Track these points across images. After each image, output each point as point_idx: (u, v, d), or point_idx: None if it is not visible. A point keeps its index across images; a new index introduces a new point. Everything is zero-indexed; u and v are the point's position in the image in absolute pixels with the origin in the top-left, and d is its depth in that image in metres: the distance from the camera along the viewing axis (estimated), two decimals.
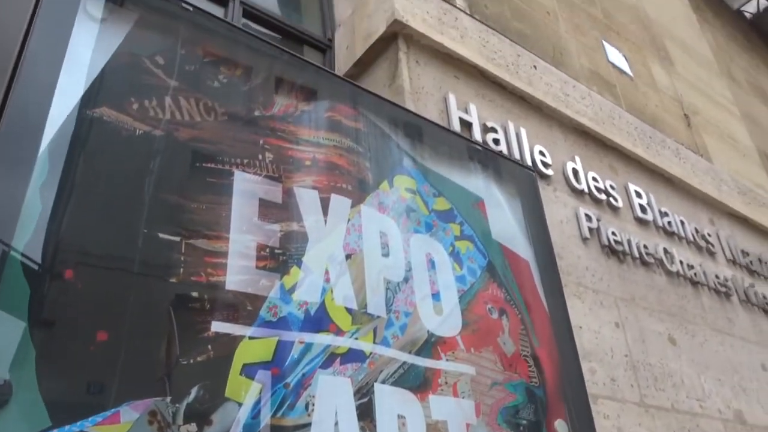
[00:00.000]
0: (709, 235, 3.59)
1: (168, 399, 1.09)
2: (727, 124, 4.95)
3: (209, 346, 1.18)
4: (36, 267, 1.08)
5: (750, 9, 6.63)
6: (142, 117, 1.29)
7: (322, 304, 1.38)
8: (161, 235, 1.22)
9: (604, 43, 4.11)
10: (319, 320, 1.35)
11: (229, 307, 1.25)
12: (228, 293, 1.26)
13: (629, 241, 2.99)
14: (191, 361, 1.15)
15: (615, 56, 4.13)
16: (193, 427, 1.09)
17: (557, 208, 2.79)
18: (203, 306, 1.22)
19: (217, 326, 1.21)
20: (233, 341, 1.22)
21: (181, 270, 1.22)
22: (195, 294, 1.22)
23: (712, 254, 3.53)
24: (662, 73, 4.55)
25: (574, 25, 3.91)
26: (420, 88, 2.55)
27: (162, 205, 1.25)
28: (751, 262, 3.76)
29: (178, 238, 1.24)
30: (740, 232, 3.94)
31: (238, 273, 1.29)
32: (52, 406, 0.99)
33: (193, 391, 1.12)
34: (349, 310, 1.42)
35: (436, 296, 1.63)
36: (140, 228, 1.20)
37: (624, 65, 4.16)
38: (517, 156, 2.71)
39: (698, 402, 2.75)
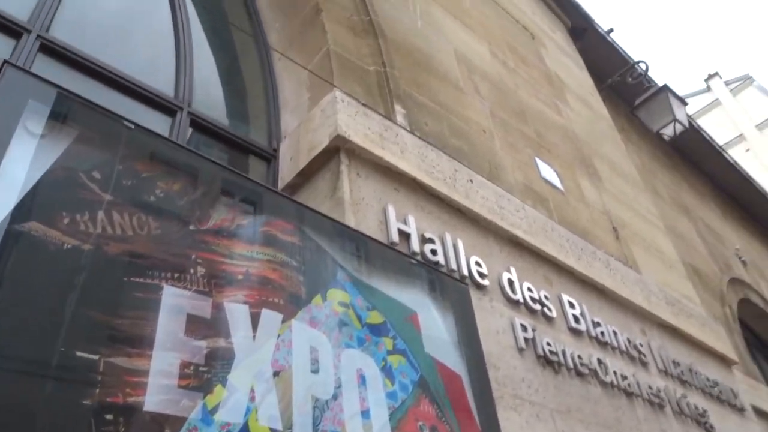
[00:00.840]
0: (641, 345, 3.70)
1: None
2: (653, 237, 5.27)
3: None
4: None
5: (668, 132, 7.29)
6: (72, 232, 1.29)
7: (245, 425, 1.34)
8: (79, 354, 1.19)
9: (537, 159, 4.41)
10: None
11: (145, 430, 1.20)
12: (146, 415, 1.21)
13: (564, 352, 3.05)
14: None
15: (547, 172, 4.42)
16: None
17: (493, 318, 2.85)
18: (118, 429, 1.16)
19: None
20: None
21: (97, 391, 1.18)
22: (110, 416, 1.17)
23: (644, 364, 3.63)
24: (591, 189, 4.87)
25: (508, 143, 4.20)
26: (360, 200, 2.64)
27: (83, 322, 1.22)
28: (682, 372, 3.87)
29: (96, 357, 1.20)
30: (670, 342, 4.09)
31: (158, 393, 1.25)
32: None
33: None
34: (273, 431, 1.38)
35: (365, 414, 1.61)
36: (57, 347, 1.16)
37: (555, 181, 4.44)
38: (454, 267, 2.79)
39: None
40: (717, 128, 21.71)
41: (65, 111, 1.46)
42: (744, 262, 8.02)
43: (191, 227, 1.53)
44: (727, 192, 9.83)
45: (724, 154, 9.65)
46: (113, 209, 1.39)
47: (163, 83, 2.85)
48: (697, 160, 9.37)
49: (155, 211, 1.47)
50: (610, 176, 5.44)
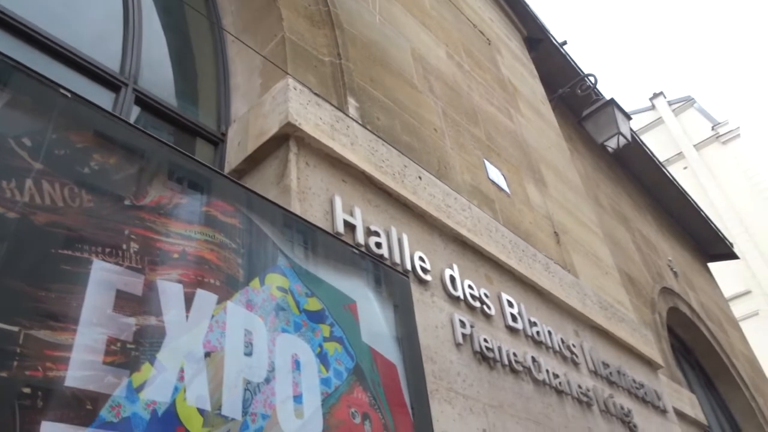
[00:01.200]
0: (574, 346, 3.83)
1: None
2: (592, 243, 5.45)
3: None
4: None
5: (612, 144, 7.56)
6: None
7: (173, 405, 1.32)
8: None
9: (486, 161, 4.50)
10: (166, 422, 1.28)
11: (65, 405, 1.16)
12: (66, 390, 1.17)
13: (500, 348, 3.13)
14: None
15: (495, 174, 4.51)
16: None
17: (434, 313, 2.89)
18: (35, 404, 1.12)
19: (48, 427, 1.11)
20: None
21: (15, 363, 1.13)
22: (27, 390, 1.12)
23: (576, 364, 3.76)
24: (536, 194, 5.00)
25: (458, 143, 4.26)
26: (307, 189, 2.63)
27: (3, 293, 1.17)
28: (610, 373, 4.03)
29: (16, 329, 1.15)
30: (602, 344, 4.25)
31: (81, 368, 1.21)
32: None
33: None
34: (201, 411, 1.36)
35: (298, 398, 1.61)
36: None
37: (502, 183, 4.54)
38: (398, 260, 2.81)
39: None
40: (658, 145, 22.72)
41: (5, 78, 1.39)
42: (675, 273, 8.41)
43: (126, 202, 1.49)
44: (664, 206, 10.29)
45: (664, 170, 10.09)
46: (43, 178, 1.34)
47: (108, 59, 2.76)
48: (638, 173, 9.77)
49: (89, 184, 1.42)
50: (555, 183, 5.61)
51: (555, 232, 4.79)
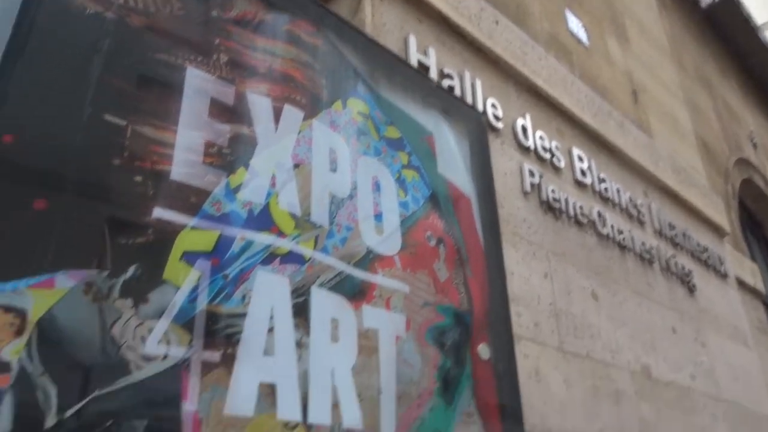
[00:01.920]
0: (642, 205, 3.78)
1: (105, 273, 1.10)
2: (671, 106, 5.16)
3: (150, 230, 1.19)
4: None
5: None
6: None
7: (266, 207, 1.40)
8: (107, 117, 1.20)
9: (567, 11, 4.19)
10: (262, 221, 1.38)
11: (172, 196, 1.25)
12: (172, 183, 1.26)
13: (566, 201, 3.12)
14: (130, 241, 1.16)
15: (575, 25, 4.22)
16: (128, 302, 1.10)
17: (503, 160, 2.87)
18: (146, 191, 1.22)
19: (159, 212, 1.21)
20: (175, 228, 1.23)
21: (126, 154, 1.21)
22: (138, 178, 1.21)
23: (641, 223, 3.73)
24: (617, 49, 4.68)
25: None
26: (382, 25, 2.54)
27: (108, 88, 1.23)
28: (675, 235, 4.00)
29: (124, 122, 1.22)
30: (669, 206, 4.17)
31: (184, 165, 1.29)
32: None
33: (131, 269, 1.13)
34: (292, 216, 1.45)
35: (378, 217, 1.68)
36: (85, 108, 1.18)
37: (582, 35, 4.25)
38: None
39: (611, 354, 2.96)
40: (758, 7, 20.43)
41: None
42: (755, 145, 7.94)
43: (214, 13, 1.48)
44: (753, 74, 9.46)
45: (758, 34, 9.15)
46: None
47: None
48: (729, 36, 8.89)
49: None
50: (638, 39, 5.21)
51: (633, 91, 4.54)
